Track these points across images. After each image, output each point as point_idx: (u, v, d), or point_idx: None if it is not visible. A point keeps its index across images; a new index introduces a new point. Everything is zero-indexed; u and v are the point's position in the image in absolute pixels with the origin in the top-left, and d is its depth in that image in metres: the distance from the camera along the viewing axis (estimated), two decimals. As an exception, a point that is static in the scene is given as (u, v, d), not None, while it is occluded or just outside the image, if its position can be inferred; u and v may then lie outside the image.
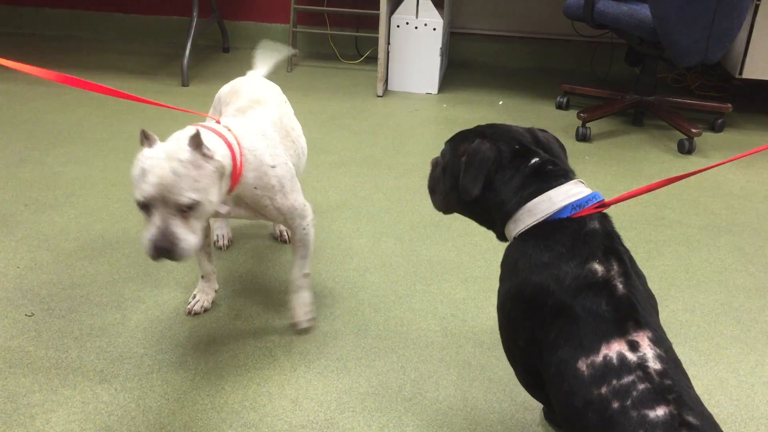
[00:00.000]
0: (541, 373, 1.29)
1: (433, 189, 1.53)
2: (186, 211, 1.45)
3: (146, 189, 1.43)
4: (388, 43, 3.69)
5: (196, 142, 1.46)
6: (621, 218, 2.48)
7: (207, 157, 1.49)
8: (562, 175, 1.35)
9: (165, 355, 1.79)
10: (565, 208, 1.30)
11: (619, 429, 1.09)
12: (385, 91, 3.77)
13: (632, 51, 3.39)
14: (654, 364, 1.13)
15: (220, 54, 4.32)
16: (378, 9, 3.59)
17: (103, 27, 4.52)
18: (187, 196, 1.44)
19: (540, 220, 1.30)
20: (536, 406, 1.65)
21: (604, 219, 1.31)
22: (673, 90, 3.93)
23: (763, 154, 3.13)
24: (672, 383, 1.11)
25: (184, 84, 3.73)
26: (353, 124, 3.32)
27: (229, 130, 1.64)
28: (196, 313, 1.92)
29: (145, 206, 1.45)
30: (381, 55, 3.64)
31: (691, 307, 2.05)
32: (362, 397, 1.68)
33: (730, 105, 3.36)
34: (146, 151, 1.47)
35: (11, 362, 1.74)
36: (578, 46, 4.16)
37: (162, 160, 1.44)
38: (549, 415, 1.60)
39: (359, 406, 1.65)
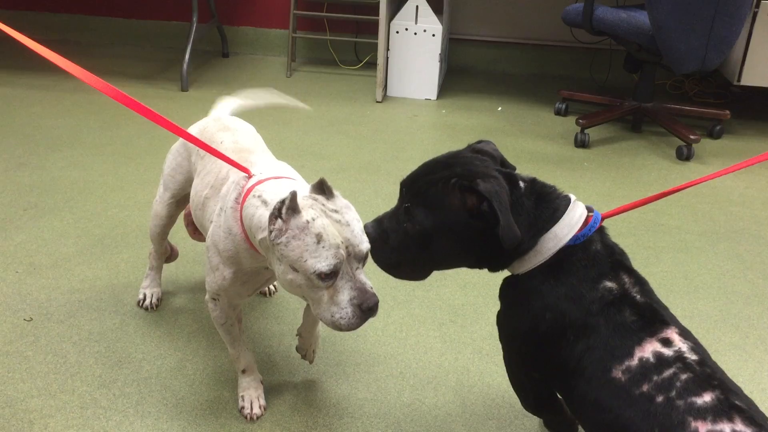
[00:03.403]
0: (560, 395, 1.28)
1: (397, 263, 1.33)
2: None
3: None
4: (388, 49, 3.70)
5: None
6: (619, 224, 2.48)
7: None
8: (555, 197, 1.29)
9: (163, 360, 1.78)
10: (570, 240, 1.26)
11: (667, 421, 1.07)
12: (384, 96, 3.77)
13: (631, 58, 3.40)
14: (691, 355, 1.13)
15: (220, 59, 4.32)
16: (377, 15, 3.60)
17: (103, 31, 4.53)
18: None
19: (547, 258, 1.26)
20: (535, 413, 1.65)
21: (602, 232, 1.30)
22: (672, 96, 3.94)
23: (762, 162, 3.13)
24: (712, 371, 1.12)
25: (184, 89, 3.73)
26: (352, 129, 3.32)
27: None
28: (258, 417, 1.61)
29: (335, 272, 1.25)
30: (380, 60, 3.64)
31: (690, 313, 2.05)
32: (361, 402, 1.67)
33: (728, 112, 3.37)
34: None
35: (9, 367, 1.74)
36: (577, 53, 4.17)
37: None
38: (549, 424, 1.60)
39: (358, 411, 1.65)
